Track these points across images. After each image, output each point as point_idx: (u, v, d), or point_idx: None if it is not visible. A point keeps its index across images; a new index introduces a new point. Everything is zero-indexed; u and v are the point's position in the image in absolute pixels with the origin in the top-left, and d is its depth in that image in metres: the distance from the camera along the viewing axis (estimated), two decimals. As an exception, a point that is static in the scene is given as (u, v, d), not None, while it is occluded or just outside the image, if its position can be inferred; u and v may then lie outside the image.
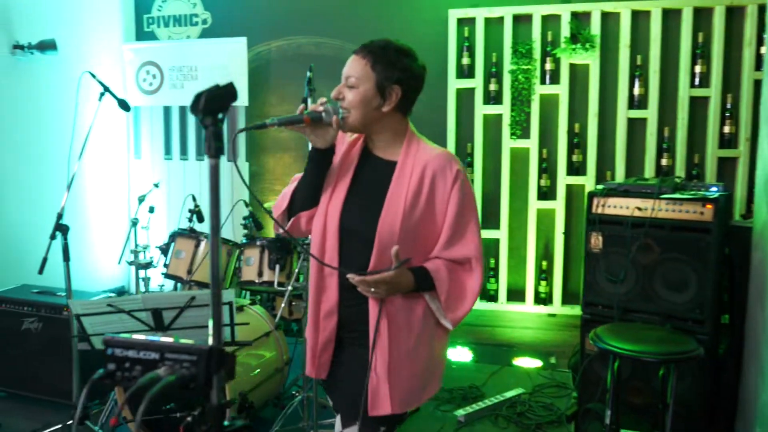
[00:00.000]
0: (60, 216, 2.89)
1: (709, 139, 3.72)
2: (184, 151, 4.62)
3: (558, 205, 4.02)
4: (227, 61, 4.26)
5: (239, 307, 3.12)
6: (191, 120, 4.62)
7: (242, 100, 4.28)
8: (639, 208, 2.95)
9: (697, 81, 3.73)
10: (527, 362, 3.94)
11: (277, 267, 2.94)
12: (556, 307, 4.07)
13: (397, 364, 1.56)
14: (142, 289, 3.32)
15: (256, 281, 3.03)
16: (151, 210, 3.49)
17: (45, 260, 2.84)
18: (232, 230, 4.04)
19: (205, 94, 0.92)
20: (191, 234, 3.10)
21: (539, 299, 4.13)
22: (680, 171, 3.74)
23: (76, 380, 2.92)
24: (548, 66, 3.95)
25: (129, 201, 4.55)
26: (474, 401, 3.35)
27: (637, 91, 3.82)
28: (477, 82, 4.08)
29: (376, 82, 1.56)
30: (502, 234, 4.14)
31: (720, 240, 2.76)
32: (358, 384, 1.58)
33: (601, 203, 3.07)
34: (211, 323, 0.96)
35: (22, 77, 3.74)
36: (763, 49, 3.59)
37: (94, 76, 2.92)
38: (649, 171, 3.81)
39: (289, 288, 2.91)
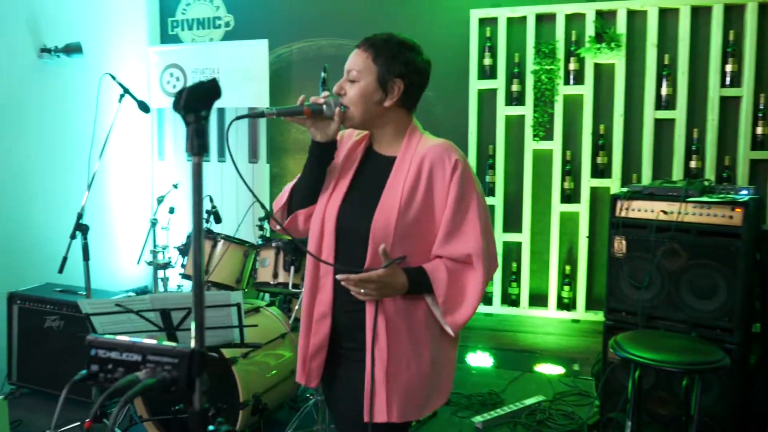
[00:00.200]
0: (80, 216, 2.93)
1: (740, 140, 3.59)
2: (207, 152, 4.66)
3: (582, 209, 3.92)
4: (248, 63, 4.28)
5: (255, 308, 3.12)
6: (213, 122, 4.66)
7: (263, 101, 4.29)
8: (664, 212, 2.85)
9: (728, 80, 3.59)
10: (549, 369, 3.85)
11: (292, 269, 2.92)
12: (580, 312, 3.97)
13: (395, 370, 1.49)
14: (161, 289, 3.34)
15: (271, 282, 3.02)
16: (171, 211, 3.51)
17: (65, 259, 2.88)
18: (253, 232, 4.05)
19: (186, 90, 0.90)
20: (208, 235, 3.11)
21: (562, 304, 4.03)
22: (710, 174, 3.61)
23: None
24: (572, 66, 3.86)
25: (152, 202, 4.61)
26: (493, 408, 3.28)
27: (664, 91, 3.70)
28: (499, 83, 4.01)
29: (377, 76, 1.51)
30: (524, 237, 4.06)
31: (750, 245, 2.65)
32: (359, 402, 1.51)
33: (625, 206, 2.98)
34: (193, 326, 0.93)
35: (49, 80, 3.81)
36: (798, 47, 3.45)
37: (114, 77, 2.96)
38: (677, 173, 3.69)
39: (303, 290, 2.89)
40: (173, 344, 0.90)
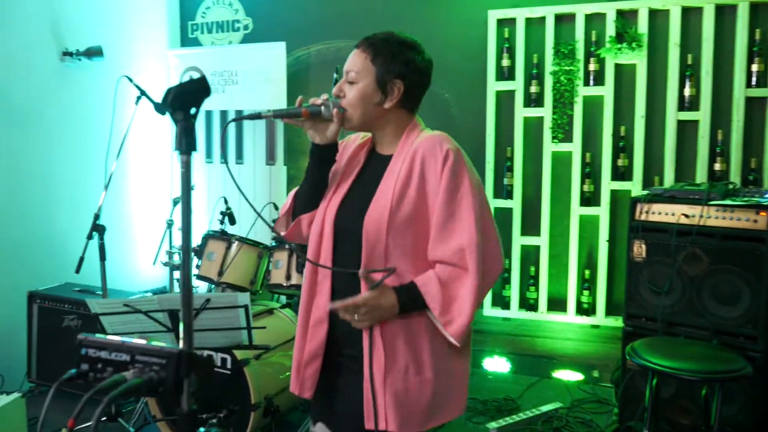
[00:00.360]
0: (97, 216, 2.97)
1: (767, 142, 3.48)
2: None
3: (602, 212, 3.84)
4: (266, 65, 4.30)
5: (269, 309, 3.12)
6: (231, 125, 4.69)
7: (281, 103, 4.30)
8: (686, 215, 2.78)
9: (753, 80, 3.49)
10: (567, 375, 3.78)
11: (305, 271, 2.91)
12: (600, 318, 3.89)
13: (393, 378, 1.43)
14: (177, 290, 3.36)
15: (284, 284, 3.02)
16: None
17: (82, 259, 2.92)
18: (267, 233, 4.06)
19: (174, 88, 0.89)
20: (222, 236, 3.12)
21: (582, 309, 3.95)
22: (735, 176, 3.51)
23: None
24: (592, 67, 3.79)
25: (170, 203, 4.65)
26: (508, 414, 3.23)
27: (687, 92, 3.61)
28: (517, 84, 3.96)
29: (376, 77, 1.48)
30: (542, 241, 4.00)
31: (775, 250, 2.56)
32: (357, 410, 1.45)
33: (645, 209, 2.92)
34: (182, 326, 0.92)
35: (71, 82, 3.88)
36: (829, 46, 3.33)
37: (131, 80, 2.99)
38: (700, 176, 3.59)
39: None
40: (162, 344, 0.88)
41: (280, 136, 4.56)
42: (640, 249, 2.92)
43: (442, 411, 1.50)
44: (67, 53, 3.80)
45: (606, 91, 3.77)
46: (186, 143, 0.88)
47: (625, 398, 2.95)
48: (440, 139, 1.48)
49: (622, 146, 3.78)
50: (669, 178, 3.66)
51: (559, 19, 3.86)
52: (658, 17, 3.67)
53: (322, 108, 1.48)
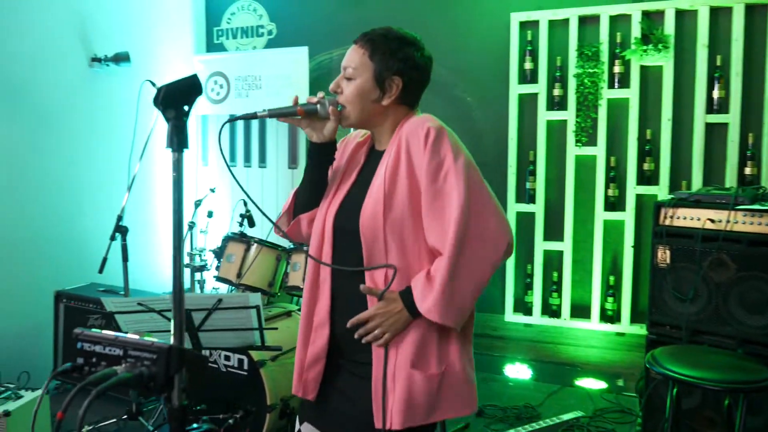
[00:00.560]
0: (120, 218, 3.03)
1: (800, 145, 3.36)
2: (247, 159, 4.75)
3: (627, 217, 3.76)
4: (289, 70, 4.33)
5: (287, 312, 3.14)
6: (255, 129, 4.74)
7: (303, 108, 4.33)
8: (711, 220, 2.70)
9: (786, 82, 3.38)
10: (591, 384, 3.70)
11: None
12: (624, 325, 3.80)
13: (401, 376, 1.41)
14: (197, 291, 3.40)
15: (302, 287, 3.03)
16: (210, 215, 3.58)
17: (105, 260, 2.98)
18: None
19: (165, 87, 0.89)
20: (242, 238, 3.15)
21: (606, 317, 3.86)
22: (766, 181, 3.39)
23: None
24: (617, 69, 3.72)
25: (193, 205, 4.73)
26: (528, 422, 3.18)
27: (716, 94, 3.51)
28: (540, 87, 3.90)
29: (374, 73, 1.46)
30: (566, 246, 3.93)
31: (806, 257, 2.47)
32: (361, 411, 1.44)
33: (669, 214, 2.84)
34: (172, 323, 0.93)
35: (98, 87, 3.97)
36: None
37: (154, 84, 3.04)
38: (730, 180, 3.49)
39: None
40: (153, 340, 0.89)
41: (302, 140, 4.59)
42: (664, 255, 2.84)
43: (449, 405, 1.45)
44: (95, 59, 3.90)
45: (631, 94, 3.69)
46: (177, 141, 0.89)
47: (648, 408, 2.87)
48: (422, 119, 1.45)
49: (648, 150, 3.70)
50: (697, 182, 3.56)
51: (583, 20, 3.80)
52: (685, 18, 3.59)
53: (318, 106, 1.47)
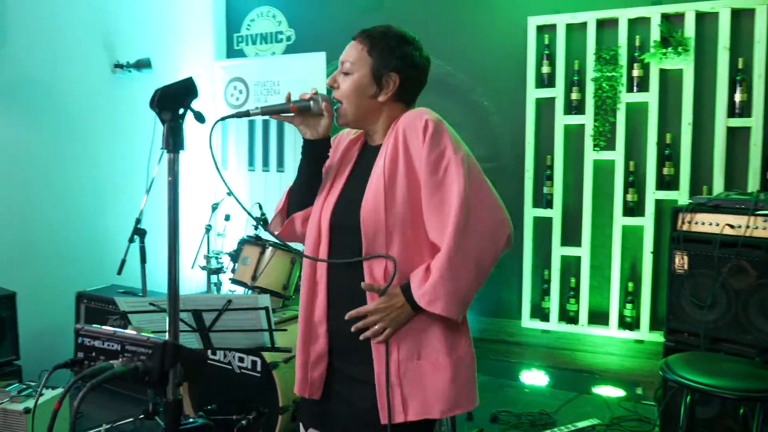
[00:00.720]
0: (138, 220, 3.08)
1: (826, 150, 3.28)
2: (265, 163, 4.80)
3: (646, 222, 3.70)
4: (307, 75, 4.38)
5: (301, 315, 3.15)
6: (273, 133, 4.79)
7: (321, 113, 4.36)
8: (730, 226, 2.65)
9: (811, 85, 3.30)
10: (608, 391, 3.64)
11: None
12: (643, 333, 3.73)
13: (405, 369, 1.40)
14: (214, 293, 3.44)
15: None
16: (227, 218, 3.62)
17: (123, 262, 3.03)
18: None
19: (161, 89, 0.92)
20: (257, 241, 3.18)
21: (624, 323, 3.81)
22: (791, 186, 3.32)
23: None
24: (636, 72, 3.67)
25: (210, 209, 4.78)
26: (542, 428, 3.14)
27: (738, 97, 3.45)
28: (557, 92, 3.88)
29: (372, 69, 1.45)
30: (583, 252, 3.88)
31: (828, 263, 2.41)
32: (366, 409, 1.42)
33: (687, 219, 2.80)
34: (167, 320, 0.94)
35: (121, 93, 4.06)
36: None
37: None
38: (752, 185, 3.41)
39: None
40: (149, 335, 0.91)
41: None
42: (681, 260, 2.79)
43: (462, 397, 1.44)
44: (118, 65, 3.99)
45: (650, 98, 3.65)
46: (173, 142, 0.91)
47: (665, 416, 2.82)
48: (419, 111, 1.44)
49: (668, 154, 3.64)
50: (718, 187, 3.50)
51: (601, 24, 3.77)
52: (705, 20, 3.53)
53: (311, 102, 1.46)
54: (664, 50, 3.56)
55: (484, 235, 1.39)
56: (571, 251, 3.93)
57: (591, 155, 3.82)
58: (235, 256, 3.25)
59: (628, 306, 3.79)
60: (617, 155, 3.75)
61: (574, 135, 3.90)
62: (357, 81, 1.46)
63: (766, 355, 2.44)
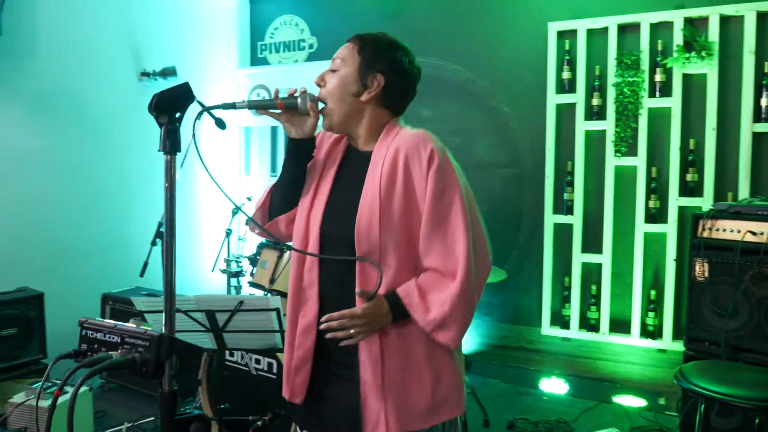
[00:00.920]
0: (161, 224, 3.16)
1: None
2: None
3: (669, 229, 3.64)
4: (328, 82, 4.42)
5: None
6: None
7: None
8: (752, 233, 2.59)
9: (840, 89, 3.22)
10: (629, 401, 3.58)
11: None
12: (666, 341, 3.66)
13: (391, 381, 1.40)
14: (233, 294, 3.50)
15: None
16: (247, 222, 3.68)
17: (146, 265, 3.12)
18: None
19: (158, 94, 0.96)
20: (275, 245, 3.23)
21: (646, 332, 3.74)
22: (819, 192, 3.23)
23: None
24: (658, 77, 3.63)
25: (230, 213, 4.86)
26: (560, 437, 3.10)
27: (764, 102, 3.37)
28: (578, 97, 3.85)
29: (358, 66, 1.46)
30: (604, 259, 3.84)
31: None
32: (351, 419, 1.43)
33: (708, 226, 2.75)
34: (163, 316, 0.98)
35: (147, 101, 4.16)
36: None
37: (200, 103, 3.18)
38: (779, 192, 3.34)
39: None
40: (147, 328, 0.94)
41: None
42: (702, 268, 2.74)
43: (441, 410, 1.46)
44: (144, 74, 4.10)
45: (673, 103, 3.59)
46: (170, 145, 0.95)
47: (685, 427, 2.76)
48: (423, 137, 1.43)
49: (692, 160, 3.58)
50: (744, 193, 3.42)
51: (623, 29, 3.73)
52: (730, 24, 3.47)
53: (298, 100, 1.46)
54: (687, 55, 3.51)
55: (482, 273, 1.44)
56: (592, 258, 3.89)
57: (612, 161, 3.78)
58: (254, 260, 3.30)
59: (651, 314, 3.72)
60: (639, 161, 3.70)
61: (595, 141, 3.87)
62: (342, 78, 1.47)
63: (789, 365, 2.38)
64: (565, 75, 3.89)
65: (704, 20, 3.51)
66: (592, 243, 3.89)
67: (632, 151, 3.73)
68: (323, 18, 4.80)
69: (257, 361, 2.80)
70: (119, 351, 0.92)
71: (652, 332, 3.72)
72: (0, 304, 3.12)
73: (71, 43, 3.71)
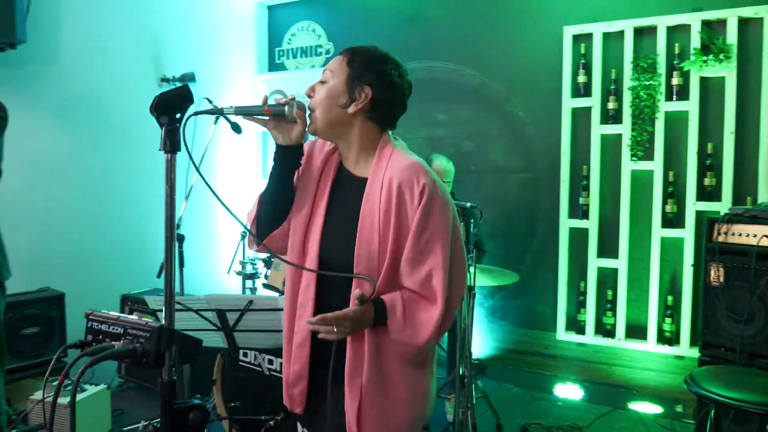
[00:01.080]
0: (177, 226, 3.22)
1: None
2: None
3: (686, 234, 3.60)
4: (344, 87, 4.47)
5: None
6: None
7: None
8: (769, 237, 2.55)
9: None
10: (646, 408, 3.53)
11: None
12: (684, 348, 3.61)
13: (372, 401, 1.45)
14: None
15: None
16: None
17: (162, 266, 3.17)
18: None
19: (159, 96, 0.99)
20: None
21: (663, 338, 3.69)
22: (840, 197, 3.17)
23: (186, 375, 3.22)
24: (675, 81, 3.59)
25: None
26: (573, 442, 3.08)
27: (784, 105, 3.33)
28: (594, 101, 3.83)
29: (347, 78, 1.46)
30: (620, 264, 3.80)
31: None
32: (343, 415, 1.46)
33: (723, 230, 2.72)
34: (163, 309, 1.01)
35: (167, 106, 4.25)
36: None
37: (210, 101, 3.24)
38: (799, 197, 3.28)
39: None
40: (149, 320, 0.97)
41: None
42: (717, 273, 2.71)
43: (419, 422, 1.51)
44: (164, 79, 4.19)
45: (691, 107, 3.56)
46: (170, 144, 0.98)
47: (701, 434, 2.72)
48: (416, 169, 1.43)
49: (709, 164, 3.53)
50: (763, 198, 3.36)
51: (639, 32, 3.71)
52: (749, 26, 3.43)
53: (286, 107, 1.47)
54: (704, 58, 3.48)
55: (455, 301, 1.49)
56: (607, 263, 3.86)
57: (628, 165, 3.75)
58: (268, 262, 3.34)
59: (668, 320, 3.68)
60: (656, 165, 3.67)
61: (611, 145, 3.84)
62: (330, 89, 1.47)
63: (805, 372, 2.33)
64: (581, 79, 3.88)
65: (722, 22, 3.47)
66: (608, 248, 3.86)
67: (649, 155, 3.70)
68: (340, 24, 4.85)
69: (270, 362, 2.83)
70: (122, 341, 0.95)
71: (669, 338, 3.68)
72: (23, 303, 3.21)
73: (94, 51, 3.81)
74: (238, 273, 3.53)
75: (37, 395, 3.03)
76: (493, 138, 4.23)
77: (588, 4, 3.87)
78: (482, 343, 4.32)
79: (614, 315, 3.84)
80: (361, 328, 1.42)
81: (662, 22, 3.62)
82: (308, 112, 1.50)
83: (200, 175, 1.26)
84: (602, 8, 3.82)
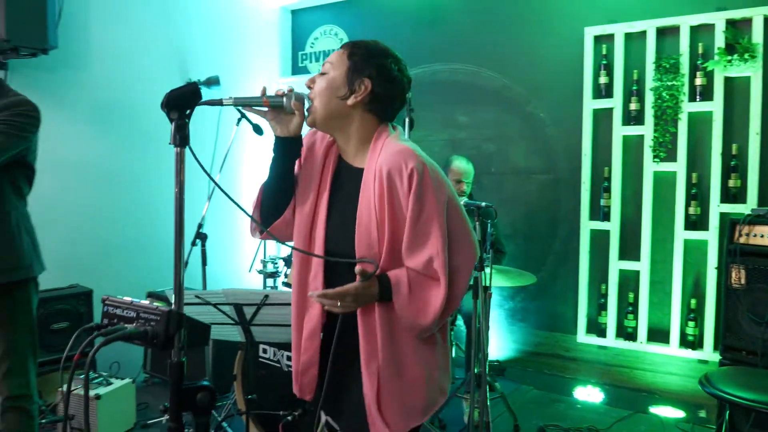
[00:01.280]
0: (200, 225, 3.30)
1: None
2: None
3: (710, 236, 3.54)
4: (365, 89, 4.51)
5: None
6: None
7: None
8: (791, 238, 2.51)
9: None
10: (667, 412, 3.49)
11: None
12: (707, 352, 3.55)
13: (390, 384, 1.47)
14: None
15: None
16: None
17: (186, 264, 3.26)
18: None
19: (169, 93, 1.05)
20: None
21: (686, 342, 3.64)
22: None
23: (209, 369, 3.29)
24: (698, 81, 3.55)
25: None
26: (590, 445, 3.06)
27: (811, 105, 3.26)
28: (615, 102, 3.81)
29: (347, 70, 1.48)
30: (642, 266, 3.76)
31: None
32: (359, 418, 1.49)
33: (745, 231, 2.68)
34: (172, 294, 1.05)
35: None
36: None
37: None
38: (827, 198, 3.21)
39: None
40: (160, 304, 1.02)
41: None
42: (738, 274, 2.67)
43: (434, 397, 1.53)
44: (190, 83, 4.29)
45: (715, 107, 3.51)
46: (180, 138, 1.04)
47: (721, 439, 2.68)
48: (405, 154, 1.44)
49: (734, 166, 3.48)
50: (789, 200, 3.31)
51: (661, 32, 3.68)
52: (775, 25, 3.37)
53: (284, 99, 1.49)
54: (729, 57, 3.43)
55: (463, 271, 1.50)
56: (629, 265, 3.82)
57: (651, 167, 3.72)
58: (289, 261, 3.40)
59: (691, 324, 3.62)
60: (679, 167, 3.63)
61: (633, 146, 3.81)
62: (330, 80, 1.49)
63: (827, 376, 2.28)
64: (602, 80, 3.85)
65: (747, 21, 3.42)
66: (630, 250, 3.83)
67: (671, 157, 3.66)
68: (362, 28, 4.91)
69: (288, 358, 2.88)
70: (134, 324, 1.00)
71: (692, 342, 3.62)
72: (53, 299, 3.32)
73: (122, 56, 3.93)
74: (260, 272, 3.60)
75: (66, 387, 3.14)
76: (514, 140, 4.23)
77: (609, 5, 3.85)
78: (502, 344, 4.31)
79: (636, 318, 3.80)
80: (365, 303, 1.45)
81: (685, 22, 3.58)
82: (307, 103, 1.52)
83: (199, 164, 1.31)
84: (624, 9, 3.80)
